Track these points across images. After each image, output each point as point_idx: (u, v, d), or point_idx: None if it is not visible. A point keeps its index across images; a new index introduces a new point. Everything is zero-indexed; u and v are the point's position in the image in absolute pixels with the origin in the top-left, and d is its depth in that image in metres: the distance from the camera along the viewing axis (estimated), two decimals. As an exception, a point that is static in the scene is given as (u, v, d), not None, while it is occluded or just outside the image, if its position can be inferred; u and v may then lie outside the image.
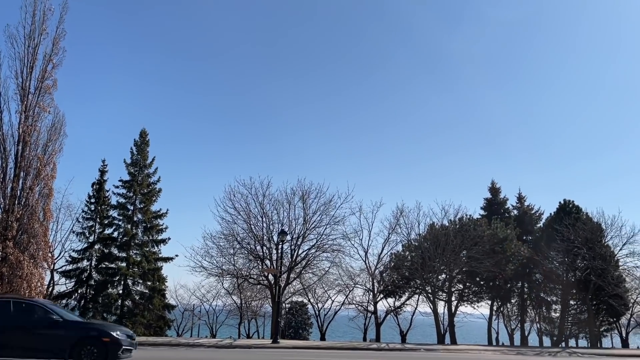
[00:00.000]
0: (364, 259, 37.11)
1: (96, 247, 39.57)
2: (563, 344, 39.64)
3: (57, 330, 13.03)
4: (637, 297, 40.81)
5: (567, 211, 39.26)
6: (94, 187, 40.58)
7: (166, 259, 40.13)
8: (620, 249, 36.88)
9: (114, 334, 13.34)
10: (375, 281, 37.54)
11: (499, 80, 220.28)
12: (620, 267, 37.27)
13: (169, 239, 40.62)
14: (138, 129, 42.02)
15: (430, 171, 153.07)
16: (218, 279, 34.79)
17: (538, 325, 44.06)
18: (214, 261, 31.92)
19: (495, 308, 41.20)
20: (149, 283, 39.06)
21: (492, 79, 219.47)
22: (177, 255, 39.54)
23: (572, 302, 40.32)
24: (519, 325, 42.99)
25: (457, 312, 39.14)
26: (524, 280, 40.44)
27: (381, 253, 37.57)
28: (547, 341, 43.44)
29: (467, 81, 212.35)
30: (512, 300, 41.90)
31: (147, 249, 39.81)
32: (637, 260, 36.38)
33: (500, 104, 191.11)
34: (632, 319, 42.34)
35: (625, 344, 41.00)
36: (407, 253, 38.13)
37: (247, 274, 33.01)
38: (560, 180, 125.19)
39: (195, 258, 31.74)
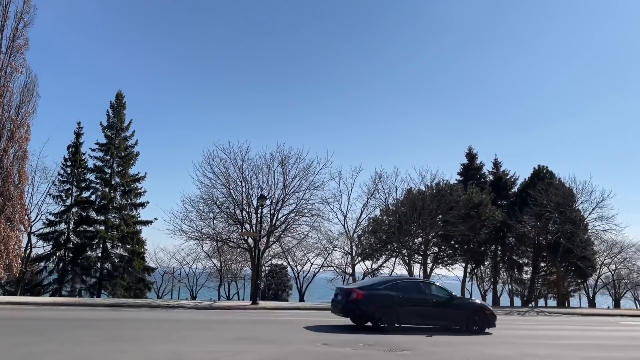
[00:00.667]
0: (343, 223, 37.74)
1: (74, 210, 39.36)
2: (532, 304, 41.30)
3: (455, 305, 16.26)
4: (604, 260, 42.60)
5: (541, 177, 40.23)
6: (70, 149, 40.04)
7: (145, 223, 40.17)
8: (590, 214, 38.19)
9: (490, 307, 17.56)
10: (353, 244, 38.23)
11: (477, 44, 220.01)
12: (589, 231, 38.58)
13: (148, 202, 40.60)
14: (114, 92, 41.23)
15: (410, 136, 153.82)
16: (198, 242, 35.01)
17: (510, 286, 45.64)
18: (194, 225, 32.03)
19: (469, 270, 42.45)
20: (128, 246, 39.17)
21: (470, 42, 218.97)
22: (156, 219, 39.65)
23: (542, 264, 41.79)
24: (491, 287, 44.44)
25: (432, 274, 40.27)
26: (497, 244, 41.62)
27: (360, 217, 38.23)
28: (517, 301, 45.12)
29: (446, 45, 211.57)
30: (486, 263, 43.16)
31: (126, 213, 39.76)
32: (605, 224, 37.66)
33: (478, 68, 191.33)
34: (599, 280, 44.33)
35: (592, 303, 42.98)
36: (385, 217, 38.79)
37: (227, 237, 33.26)
38: (536, 146, 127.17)
39: (175, 222, 31.79)
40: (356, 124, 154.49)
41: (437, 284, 17.71)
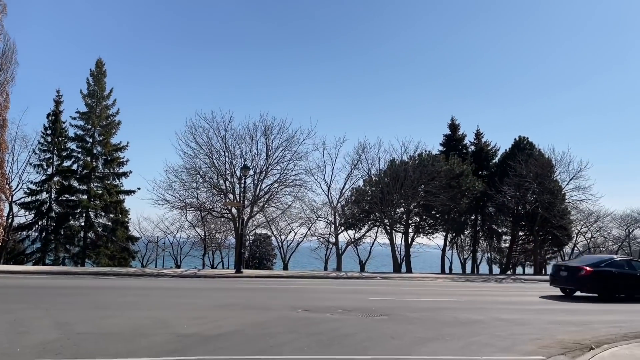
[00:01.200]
0: (326, 193, 38.04)
1: (55, 179, 39.07)
2: (510, 272, 42.50)
3: None
4: (581, 228, 43.88)
5: (521, 147, 40.79)
6: (50, 118, 39.48)
7: (128, 192, 40.09)
8: (567, 184, 38.96)
9: None
10: (337, 214, 38.67)
11: (463, 19, 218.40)
12: (567, 201, 39.46)
13: (131, 172, 40.44)
14: (95, 59, 40.40)
15: (393, 107, 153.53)
16: (181, 212, 35.15)
17: (489, 255, 46.74)
18: (177, 194, 32.12)
19: (449, 239, 43.27)
20: (112, 215, 39.16)
21: (455, 17, 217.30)
22: (139, 189, 39.57)
23: (520, 233, 42.78)
24: (471, 255, 45.48)
25: (414, 243, 41.09)
26: (477, 213, 42.38)
27: (343, 188, 38.56)
28: (496, 270, 46.30)
29: (432, 20, 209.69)
30: (466, 232, 43.98)
31: (108, 182, 39.60)
32: (581, 194, 38.56)
33: (464, 42, 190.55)
34: (575, 249, 45.75)
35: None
36: (368, 188, 39.18)
37: (211, 207, 33.44)
38: (518, 117, 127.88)
39: (158, 191, 31.82)
40: (341, 95, 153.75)
41: None
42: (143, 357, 6.91)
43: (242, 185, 29.25)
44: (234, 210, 30.71)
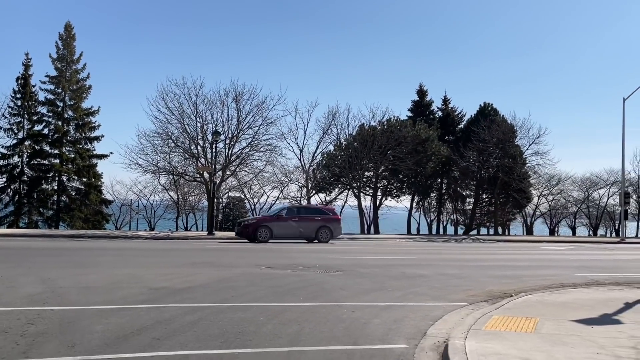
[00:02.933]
0: (299, 157, 39.06)
1: (26, 143, 39.16)
2: (475, 232, 44.80)
3: None
4: (542, 191, 46.36)
5: (486, 114, 42.33)
6: (19, 81, 39.23)
7: (101, 156, 40.46)
8: (527, 149, 40.87)
9: None
10: (308, 178, 39.88)
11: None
12: (527, 165, 41.47)
13: (103, 136, 40.73)
14: (63, 22, 39.92)
15: (364, 69, 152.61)
16: (154, 175, 35.87)
17: (454, 217, 48.89)
18: (149, 159, 32.79)
19: (416, 202, 45.08)
20: (85, 179, 39.59)
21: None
22: (112, 153, 39.92)
23: (484, 196, 44.86)
24: (437, 217, 47.53)
25: (382, 205, 42.74)
26: (443, 177, 44.18)
27: (315, 152, 39.63)
28: (461, 231, 48.56)
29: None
30: (432, 195, 45.86)
31: (81, 146, 39.86)
32: (539, 159, 40.64)
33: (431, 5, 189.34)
34: (537, 210, 48.35)
35: (529, 231, 47.09)
36: (338, 152, 40.37)
37: (183, 171, 34.26)
38: (484, 82, 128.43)
39: (130, 156, 32.43)
40: (313, 58, 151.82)
41: None
42: (119, 305, 8.01)
43: (214, 150, 30.10)
44: (205, 175, 31.59)
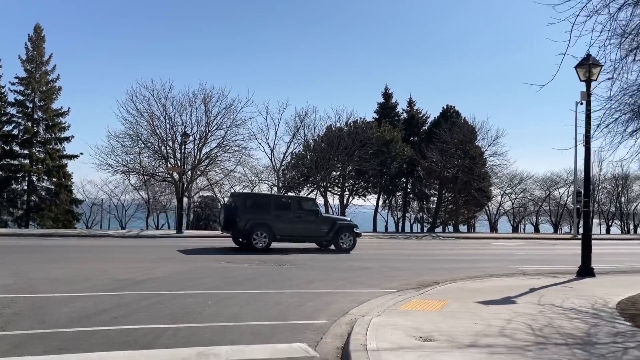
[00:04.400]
0: (269, 156, 40.06)
1: (-5, 143, 39.31)
2: (441, 229, 46.67)
3: None
4: (505, 190, 48.84)
5: (448, 116, 44.10)
6: (-12, 83, 39.33)
7: (71, 157, 40.84)
8: (486, 150, 42.85)
9: None
10: (279, 178, 40.98)
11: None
12: (486, 166, 43.45)
13: (73, 137, 41.05)
14: (33, 20, 40.22)
15: (334, 69, 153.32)
16: (124, 175, 36.51)
17: (419, 215, 50.66)
18: (119, 159, 33.48)
19: (382, 200, 46.66)
20: (55, 179, 39.93)
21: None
22: (82, 153, 40.29)
23: (447, 195, 46.69)
24: (402, 215, 49.24)
25: (349, 204, 44.16)
26: (408, 176, 45.86)
27: (286, 152, 40.71)
28: (427, 228, 50.35)
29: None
30: (397, 194, 47.53)
31: (51, 147, 40.18)
32: (497, 159, 42.85)
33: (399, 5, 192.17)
34: (501, 208, 50.61)
35: (493, 229, 49.31)
36: (307, 153, 41.60)
37: (153, 172, 35.06)
38: (447, 85, 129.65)
39: (100, 156, 33.07)
40: (281, 51, 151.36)
41: None
42: (85, 292, 9.08)
43: (183, 151, 31.05)
44: (175, 175, 32.47)
